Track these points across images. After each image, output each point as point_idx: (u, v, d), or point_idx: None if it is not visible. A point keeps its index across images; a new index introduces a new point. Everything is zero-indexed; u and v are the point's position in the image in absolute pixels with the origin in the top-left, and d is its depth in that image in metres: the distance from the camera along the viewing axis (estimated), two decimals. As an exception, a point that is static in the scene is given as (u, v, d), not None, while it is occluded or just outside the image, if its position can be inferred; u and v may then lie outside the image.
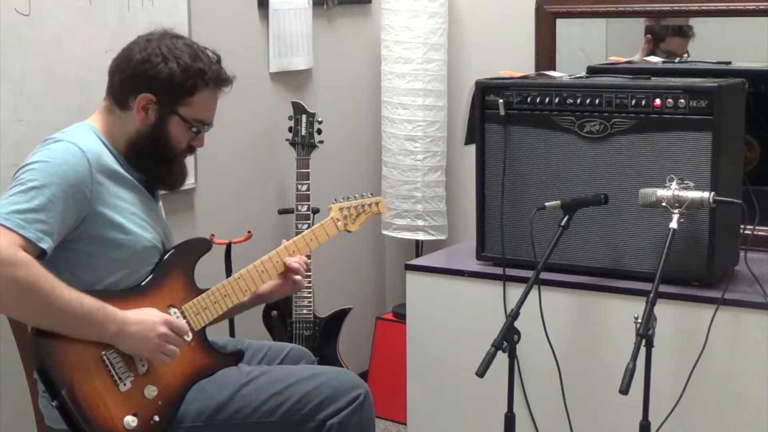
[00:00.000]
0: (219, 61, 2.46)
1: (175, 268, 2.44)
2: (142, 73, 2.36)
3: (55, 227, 2.19)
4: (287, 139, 3.58)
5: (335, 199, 2.78)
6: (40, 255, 2.16)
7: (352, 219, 2.76)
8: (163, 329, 2.29)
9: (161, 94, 2.37)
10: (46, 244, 2.16)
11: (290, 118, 3.59)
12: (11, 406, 2.83)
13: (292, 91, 3.78)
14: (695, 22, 3.61)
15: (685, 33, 3.63)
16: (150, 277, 2.39)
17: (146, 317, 2.28)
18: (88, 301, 2.20)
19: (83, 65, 2.96)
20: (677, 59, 3.61)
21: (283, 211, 3.71)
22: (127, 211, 2.34)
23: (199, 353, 2.44)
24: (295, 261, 2.62)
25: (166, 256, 2.43)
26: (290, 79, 3.78)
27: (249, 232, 3.41)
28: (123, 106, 2.39)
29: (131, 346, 2.26)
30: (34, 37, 2.81)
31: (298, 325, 3.55)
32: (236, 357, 2.54)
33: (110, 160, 2.35)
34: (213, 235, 3.35)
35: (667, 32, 3.66)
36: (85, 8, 2.95)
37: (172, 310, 2.39)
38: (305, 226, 3.51)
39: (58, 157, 2.24)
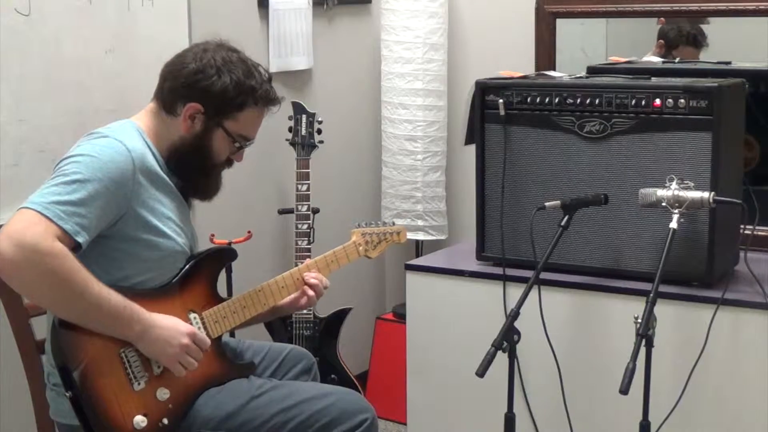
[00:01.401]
0: (270, 80, 2.47)
1: (199, 274, 2.44)
2: (194, 83, 2.36)
3: (93, 223, 2.19)
4: (287, 139, 3.58)
5: (357, 224, 2.78)
6: (75, 248, 2.16)
7: (372, 245, 2.77)
8: (186, 340, 2.29)
9: (210, 106, 2.37)
10: (82, 238, 2.16)
11: (290, 118, 3.59)
12: (11, 405, 2.83)
13: (292, 91, 3.78)
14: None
15: (698, 42, 3.62)
16: (175, 280, 2.39)
17: (172, 324, 2.28)
18: (116, 298, 2.20)
19: (83, 65, 2.96)
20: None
21: (283, 211, 3.71)
22: (164, 215, 2.34)
23: (214, 361, 2.43)
24: (313, 276, 2.62)
25: (192, 262, 2.43)
26: (290, 79, 3.78)
27: (249, 232, 3.41)
28: (170, 112, 2.39)
29: (152, 349, 2.26)
30: (34, 37, 2.81)
31: (298, 325, 3.55)
32: (249, 368, 2.54)
33: (153, 163, 2.35)
34: (213, 235, 3.35)
35: (680, 40, 3.65)
36: (85, 8, 2.95)
37: (192, 315, 2.39)
38: (305, 226, 3.51)
39: (105, 153, 2.24)
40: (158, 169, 2.36)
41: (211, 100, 2.37)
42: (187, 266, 2.42)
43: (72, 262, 2.13)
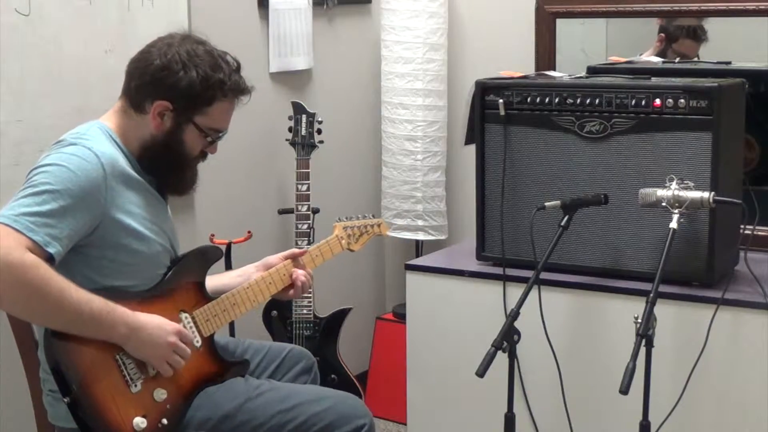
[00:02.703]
0: (239, 68, 2.43)
1: (187, 273, 2.44)
2: (160, 80, 2.33)
3: (65, 233, 2.16)
4: (287, 139, 3.58)
5: (339, 218, 2.81)
6: (49, 259, 2.13)
7: (355, 238, 2.81)
8: (173, 339, 2.28)
9: (178, 102, 2.34)
10: (54, 249, 2.14)
11: (290, 118, 3.59)
12: (11, 406, 2.83)
13: (292, 91, 3.78)
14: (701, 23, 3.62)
15: (698, 36, 3.61)
16: (163, 281, 2.39)
17: (158, 324, 2.27)
18: (98, 304, 2.18)
19: (83, 65, 2.96)
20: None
21: (283, 211, 3.71)
22: (141, 216, 2.33)
23: (208, 360, 2.43)
24: (302, 274, 2.63)
25: (179, 262, 2.43)
26: (290, 79, 3.78)
27: (249, 232, 3.41)
28: (138, 110, 2.36)
29: (139, 350, 2.25)
30: (34, 37, 2.81)
31: (298, 325, 3.55)
32: (243, 365, 2.54)
33: (124, 164, 2.32)
34: (213, 235, 3.35)
35: (680, 33, 3.65)
36: (85, 8, 2.95)
37: (184, 315, 2.39)
38: (305, 226, 3.51)
39: (73, 162, 2.21)
40: (130, 170, 2.33)
41: (178, 96, 2.34)
42: (175, 267, 2.42)
43: (45, 271, 2.10)
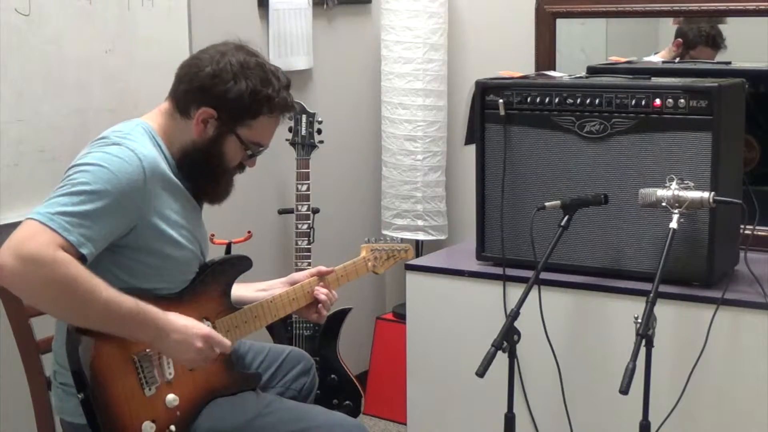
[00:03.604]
0: (288, 85, 2.43)
1: (214, 281, 2.42)
2: (209, 88, 2.32)
3: (100, 234, 2.15)
4: (287, 139, 3.58)
5: (367, 239, 2.82)
6: (81, 259, 2.12)
7: (381, 261, 2.81)
8: (200, 344, 2.26)
9: (224, 112, 2.33)
10: (87, 250, 2.12)
11: (290, 118, 3.58)
12: (11, 406, 2.83)
13: (292, 91, 3.75)
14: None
15: (716, 44, 3.60)
16: (189, 286, 2.37)
17: (187, 328, 2.25)
18: (128, 304, 2.16)
19: (83, 65, 2.96)
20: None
21: (283, 211, 3.71)
22: (176, 223, 2.31)
23: (222, 370, 2.41)
24: (323, 292, 2.63)
25: (207, 269, 2.41)
26: (290, 79, 3.77)
27: (249, 232, 3.41)
28: (183, 114, 2.35)
29: (167, 352, 2.25)
30: (34, 37, 2.81)
31: (298, 325, 3.55)
32: (255, 378, 2.53)
33: (165, 169, 2.30)
34: (213, 235, 3.35)
35: (699, 40, 3.63)
36: (85, 8, 2.95)
37: (206, 323, 2.37)
38: (305, 226, 3.52)
39: (115, 163, 2.19)
40: (170, 174, 2.32)
41: (225, 106, 2.32)
42: (204, 273, 2.40)
43: (76, 269, 2.09)
